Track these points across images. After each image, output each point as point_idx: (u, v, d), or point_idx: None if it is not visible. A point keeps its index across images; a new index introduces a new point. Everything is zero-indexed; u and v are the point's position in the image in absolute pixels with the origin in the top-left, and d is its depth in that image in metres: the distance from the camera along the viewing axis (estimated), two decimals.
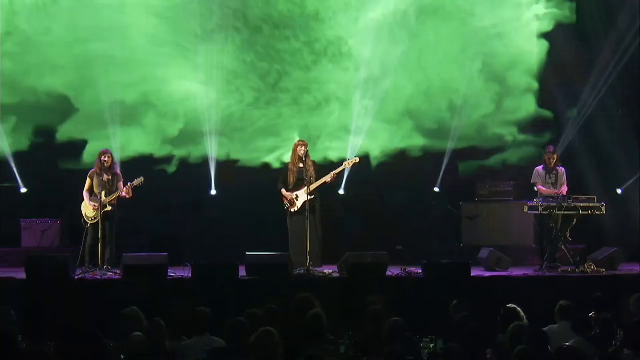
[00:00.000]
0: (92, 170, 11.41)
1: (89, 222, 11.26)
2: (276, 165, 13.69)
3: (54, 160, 13.42)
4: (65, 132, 13.54)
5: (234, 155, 13.78)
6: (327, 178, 11.41)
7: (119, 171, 11.52)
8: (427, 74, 14.01)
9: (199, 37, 13.58)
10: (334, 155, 13.52)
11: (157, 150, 13.69)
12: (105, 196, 11.17)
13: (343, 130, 13.81)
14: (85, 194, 11.34)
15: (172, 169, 13.72)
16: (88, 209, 11.29)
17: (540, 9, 14.02)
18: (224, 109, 13.68)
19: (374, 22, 13.77)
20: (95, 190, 11.25)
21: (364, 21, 13.84)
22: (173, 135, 13.73)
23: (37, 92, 13.44)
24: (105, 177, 11.27)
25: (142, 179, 11.27)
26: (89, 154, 13.17)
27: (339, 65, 13.91)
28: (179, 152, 13.78)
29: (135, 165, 13.00)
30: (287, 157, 12.19)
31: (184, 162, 13.77)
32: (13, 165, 13.20)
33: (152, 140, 13.70)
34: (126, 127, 13.49)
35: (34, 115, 13.49)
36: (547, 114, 14.02)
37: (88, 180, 11.37)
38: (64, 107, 13.54)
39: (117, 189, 11.27)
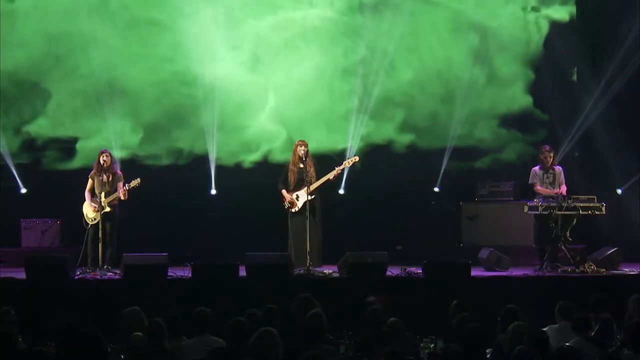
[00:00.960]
0: (93, 170, 11.40)
1: (90, 223, 11.26)
2: (247, 165, 13.67)
3: (43, 160, 13.46)
4: (45, 127, 13.41)
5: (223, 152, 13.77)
6: (330, 175, 11.40)
7: (119, 171, 11.51)
8: (421, 62, 13.95)
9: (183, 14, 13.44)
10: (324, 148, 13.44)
11: (154, 148, 13.67)
12: (105, 197, 11.16)
13: (333, 122, 13.77)
14: (87, 195, 11.33)
15: (172, 168, 13.70)
16: (89, 209, 11.29)
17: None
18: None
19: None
20: (96, 190, 11.25)
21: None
22: (167, 131, 13.68)
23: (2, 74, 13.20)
24: (105, 177, 11.25)
25: (138, 180, 11.26)
26: (83, 153, 13.19)
27: (324, 50, 13.76)
28: (179, 151, 13.76)
29: (134, 164, 13.03)
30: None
31: (184, 161, 13.76)
32: (11, 165, 13.19)
33: (148, 136, 13.65)
34: (117, 119, 13.37)
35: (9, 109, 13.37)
36: (541, 113, 14.03)
37: (90, 181, 11.37)
38: (38, 97, 13.41)
39: (116, 190, 11.26)
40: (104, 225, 11.08)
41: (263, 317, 7.41)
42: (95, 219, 11.19)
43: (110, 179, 11.33)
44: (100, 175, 11.22)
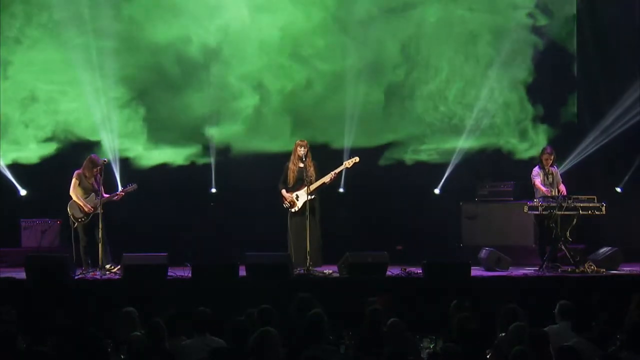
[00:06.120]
0: (79, 171, 11.30)
1: (76, 223, 11.23)
2: None
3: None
4: None
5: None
6: (326, 178, 11.41)
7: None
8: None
9: None
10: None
11: (158, 148, 13.67)
12: (95, 198, 11.15)
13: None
14: (73, 194, 11.27)
15: (171, 167, 13.68)
16: (75, 209, 11.25)
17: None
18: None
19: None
20: (84, 192, 11.20)
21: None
22: (169, 132, 13.70)
23: None
24: (93, 179, 11.24)
25: (135, 186, 11.32)
26: None
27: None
28: (179, 150, 13.75)
29: (135, 163, 13.03)
30: None
31: (183, 161, 13.74)
32: (7, 172, 13.18)
33: (151, 136, 13.67)
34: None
35: None
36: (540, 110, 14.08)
37: (74, 180, 11.28)
38: None
39: (101, 191, 11.20)
40: (97, 226, 11.04)
41: (262, 317, 7.42)
42: (81, 218, 11.17)
43: (100, 180, 11.27)
44: (89, 178, 11.21)
